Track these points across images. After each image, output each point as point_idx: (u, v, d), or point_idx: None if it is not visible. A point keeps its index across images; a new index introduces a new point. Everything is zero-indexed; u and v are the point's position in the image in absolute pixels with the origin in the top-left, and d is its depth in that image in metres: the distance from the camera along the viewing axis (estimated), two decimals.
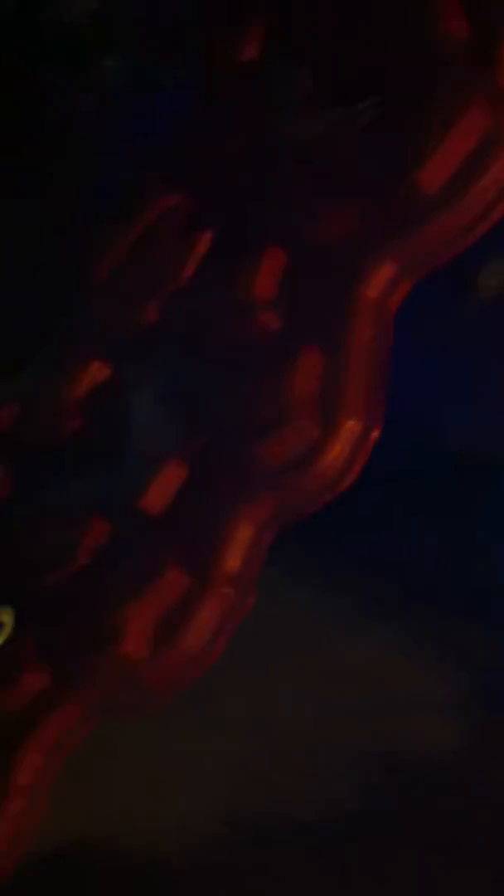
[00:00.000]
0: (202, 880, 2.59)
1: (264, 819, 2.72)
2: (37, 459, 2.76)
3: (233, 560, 2.66)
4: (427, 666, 3.18)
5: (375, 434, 2.65)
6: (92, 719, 2.57)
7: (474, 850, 2.57)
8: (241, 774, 2.83)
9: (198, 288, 2.88)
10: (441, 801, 2.74)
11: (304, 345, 2.76)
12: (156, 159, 2.98)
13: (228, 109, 2.96)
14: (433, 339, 3.83)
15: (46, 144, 3.11)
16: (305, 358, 2.77)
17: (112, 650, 2.53)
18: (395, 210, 2.82)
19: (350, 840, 2.65)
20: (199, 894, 2.53)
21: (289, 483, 2.72)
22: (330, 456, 2.76)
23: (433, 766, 2.84)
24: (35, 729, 2.54)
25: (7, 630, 2.58)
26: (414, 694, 3.10)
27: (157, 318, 2.92)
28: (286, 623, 3.04)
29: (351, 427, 2.73)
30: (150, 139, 3.06)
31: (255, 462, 2.71)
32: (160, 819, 2.68)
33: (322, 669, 3.05)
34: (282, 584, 2.91)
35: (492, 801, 2.70)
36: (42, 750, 2.54)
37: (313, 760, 2.88)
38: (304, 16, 3.02)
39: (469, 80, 2.77)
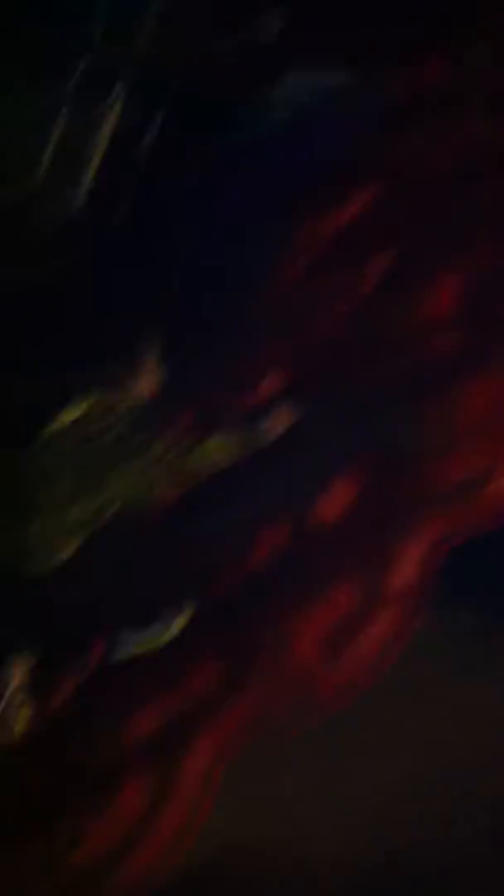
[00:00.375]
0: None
1: (407, 843, 2.72)
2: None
3: (404, 577, 2.70)
4: None
5: None
6: (259, 725, 2.63)
7: None
8: (385, 797, 2.82)
9: (378, 306, 2.95)
10: None
11: (481, 369, 2.81)
12: (348, 169, 3.05)
13: (420, 128, 3.03)
14: None
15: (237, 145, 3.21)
16: (481, 383, 2.81)
17: (285, 656, 2.59)
18: None
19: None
20: None
21: (461, 505, 2.76)
22: (499, 484, 2.79)
23: None
24: (203, 729, 2.61)
25: (184, 618, 2.59)
26: None
27: (337, 333, 2.98)
28: (447, 649, 2.99)
29: None
30: (341, 150, 3.13)
31: (429, 481, 2.76)
32: (308, 831, 2.70)
33: (477, 702, 3.01)
34: (446, 608, 2.89)
35: None
36: (209, 751, 2.60)
37: (458, 791, 2.85)
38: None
39: None
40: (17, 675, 2.50)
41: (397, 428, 2.81)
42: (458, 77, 3.05)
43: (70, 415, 2.46)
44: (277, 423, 2.82)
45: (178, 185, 3.00)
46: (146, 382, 2.53)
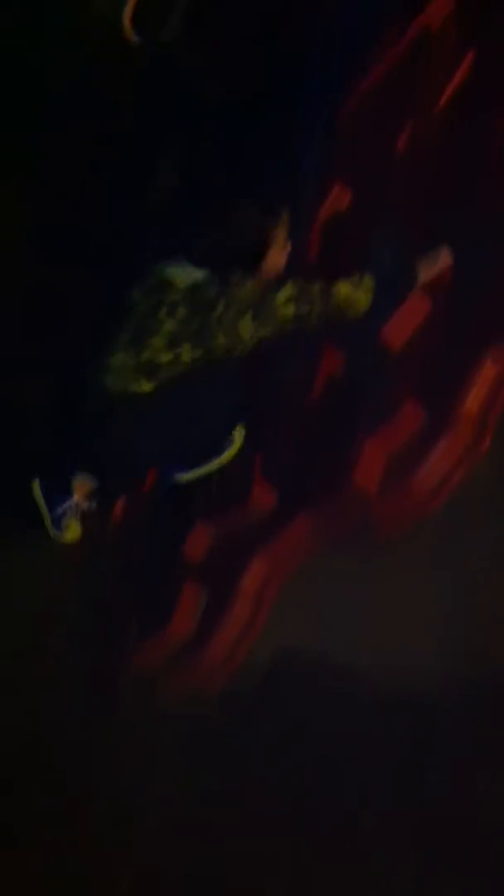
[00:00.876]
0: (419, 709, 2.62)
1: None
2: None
3: (473, 400, 2.58)
4: None
5: None
6: (317, 544, 2.63)
7: None
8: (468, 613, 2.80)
9: (451, 121, 2.71)
10: None
11: None
12: None
13: None
14: None
15: None
16: None
17: (344, 480, 2.56)
18: None
19: None
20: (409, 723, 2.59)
21: None
22: None
23: None
24: (262, 541, 2.63)
25: (237, 446, 2.65)
26: None
27: (406, 148, 2.78)
28: None
29: None
30: None
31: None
32: (374, 648, 2.72)
33: None
34: None
35: None
36: (267, 562, 2.63)
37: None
38: None
39: None
40: (78, 492, 2.64)
41: (472, 241, 2.63)
42: None
43: (189, 277, 2.51)
44: None
45: None
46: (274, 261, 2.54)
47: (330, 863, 2.48)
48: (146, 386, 2.56)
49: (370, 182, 2.75)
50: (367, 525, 2.59)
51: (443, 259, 2.60)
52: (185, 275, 2.53)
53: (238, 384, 2.61)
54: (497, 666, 2.59)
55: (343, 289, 2.52)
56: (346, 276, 2.53)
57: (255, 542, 2.65)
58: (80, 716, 2.59)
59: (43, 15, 3.42)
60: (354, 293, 2.53)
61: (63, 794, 2.49)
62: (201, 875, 2.48)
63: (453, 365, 2.57)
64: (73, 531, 2.70)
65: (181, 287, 2.53)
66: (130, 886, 2.47)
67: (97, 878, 2.48)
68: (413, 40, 2.73)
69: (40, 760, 2.53)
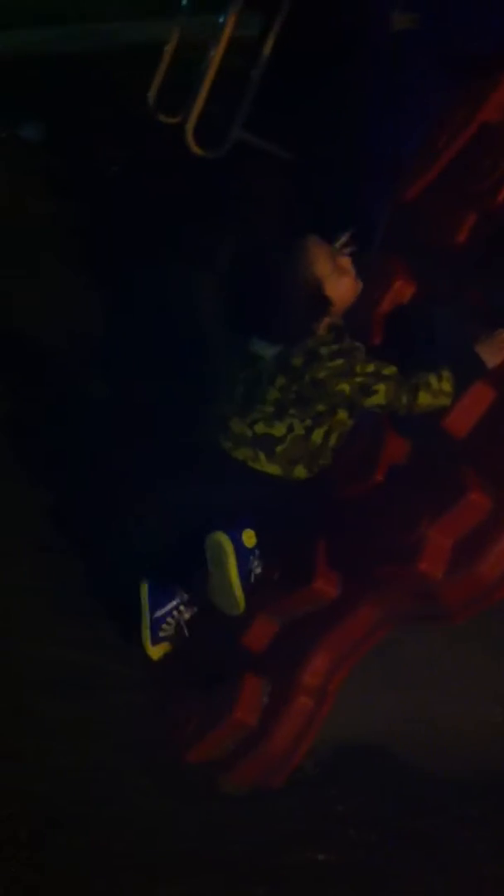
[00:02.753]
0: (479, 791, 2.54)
1: None
2: None
3: None
4: None
5: None
6: (381, 630, 2.57)
7: None
8: None
9: None
10: None
11: None
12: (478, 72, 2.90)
13: None
14: None
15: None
16: None
17: (409, 568, 2.51)
18: None
19: None
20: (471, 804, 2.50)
21: None
22: None
23: None
24: (325, 632, 2.58)
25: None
26: None
27: (465, 240, 2.84)
28: None
29: None
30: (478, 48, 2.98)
31: None
32: (439, 732, 2.65)
33: None
34: None
35: None
36: (330, 654, 2.57)
37: None
38: None
39: None
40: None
41: None
42: None
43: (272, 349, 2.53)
44: None
45: None
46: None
47: None
48: (271, 468, 2.55)
49: (432, 275, 2.80)
50: (434, 613, 2.54)
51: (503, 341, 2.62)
52: (270, 350, 2.55)
53: None
54: None
55: (424, 398, 2.53)
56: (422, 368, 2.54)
57: (317, 633, 2.60)
58: (144, 807, 2.51)
59: None
60: (436, 400, 2.54)
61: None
62: None
63: None
64: (163, 648, 2.68)
65: (268, 358, 2.55)
66: None
67: None
68: (476, 130, 2.83)
69: (112, 849, 2.43)
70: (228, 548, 2.57)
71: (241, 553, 2.58)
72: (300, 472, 2.61)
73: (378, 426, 2.70)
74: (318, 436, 2.58)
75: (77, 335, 3.67)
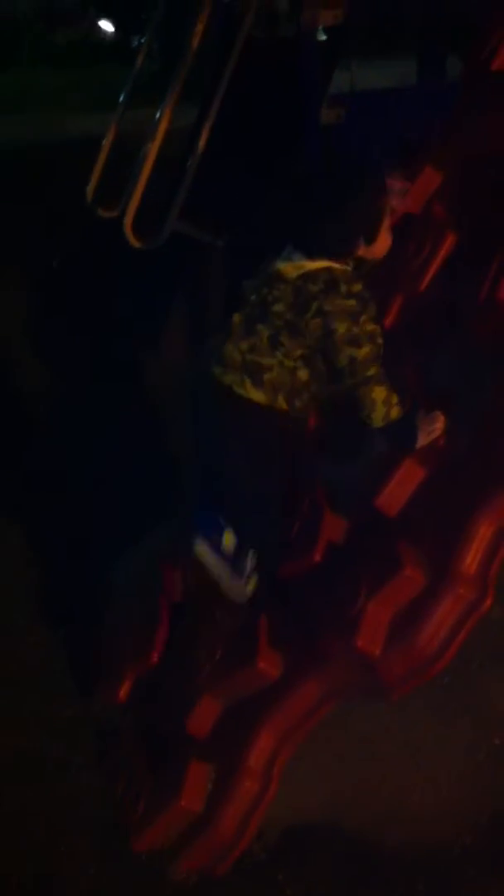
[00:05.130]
0: (428, 870, 2.54)
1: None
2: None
3: (472, 560, 2.61)
4: None
5: None
6: (325, 707, 2.60)
7: None
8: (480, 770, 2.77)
9: (446, 285, 2.89)
10: None
11: None
12: (412, 150, 3.02)
13: (486, 113, 2.97)
14: None
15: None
16: None
17: (347, 643, 2.55)
18: None
19: None
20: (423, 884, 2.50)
21: None
22: None
23: None
24: (268, 714, 2.60)
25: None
26: None
27: (396, 321, 2.95)
28: None
29: None
30: (409, 130, 3.11)
31: (497, 463, 2.67)
32: (387, 806, 2.67)
33: None
34: None
35: None
36: (274, 735, 2.59)
37: None
38: None
39: None
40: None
41: (466, 406, 2.74)
42: None
43: (299, 269, 2.55)
44: None
45: None
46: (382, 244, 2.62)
47: None
48: (255, 394, 2.60)
49: None
50: (375, 688, 2.57)
51: (438, 423, 2.71)
52: (294, 268, 2.58)
53: None
54: None
55: (379, 394, 2.60)
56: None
57: (260, 714, 2.62)
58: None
59: None
60: (383, 408, 2.62)
61: None
62: None
63: (449, 526, 2.61)
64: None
65: (290, 279, 2.58)
66: None
67: None
68: (400, 220, 2.94)
69: None
70: (208, 559, 2.67)
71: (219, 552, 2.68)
72: (281, 402, 2.64)
73: (316, 507, 2.76)
74: (303, 374, 2.62)
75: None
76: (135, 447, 3.43)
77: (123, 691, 2.77)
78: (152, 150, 4.14)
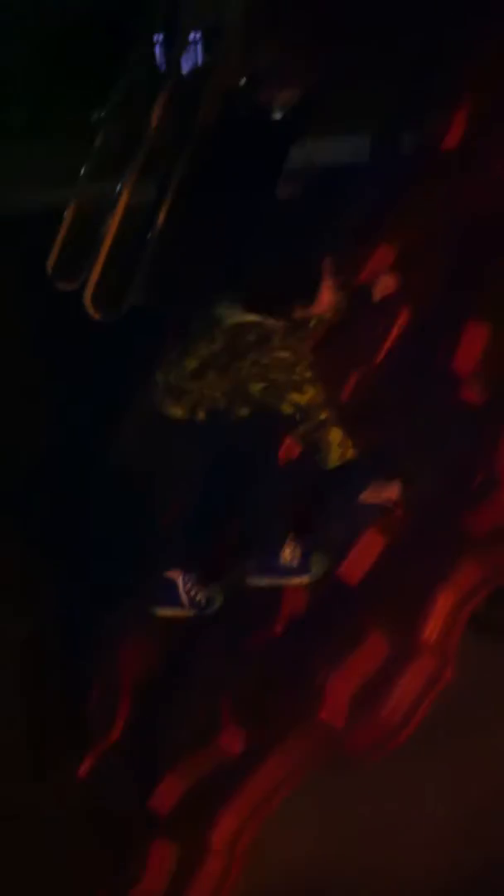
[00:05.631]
0: None
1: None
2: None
3: (432, 630, 2.62)
4: None
5: None
6: (289, 782, 2.57)
7: None
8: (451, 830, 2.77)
9: (403, 359, 2.94)
10: None
11: None
12: (368, 226, 3.11)
13: (440, 187, 3.05)
14: None
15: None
16: None
17: (311, 717, 2.53)
18: None
19: None
20: None
21: (491, 553, 2.67)
22: None
23: None
24: (231, 792, 2.57)
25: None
26: None
27: (354, 394, 2.98)
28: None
29: None
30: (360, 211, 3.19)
31: (459, 531, 2.69)
32: (367, 871, 2.64)
33: None
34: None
35: None
36: (238, 813, 2.55)
37: None
38: None
39: None
40: None
41: (428, 477, 2.77)
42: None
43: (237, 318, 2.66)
44: None
45: None
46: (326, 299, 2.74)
47: None
48: (176, 410, 2.72)
49: None
50: (340, 760, 2.55)
51: (390, 489, 2.74)
52: (234, 315, 2.69)
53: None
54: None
55: (335, 435, 2.68)
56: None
57: (224, 792, 2.58)
58: None
59: None
60: (340, 447, 2.68)
61: None
62: None
63: (411, 596, 2.62)
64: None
65: (227, 325, 2.69)
66: None
67: None
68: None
69: None
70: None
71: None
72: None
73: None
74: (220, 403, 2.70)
75: None
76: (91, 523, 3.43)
77: (84, 770, 2.72)
78: (113, 223, 4.19)
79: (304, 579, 2.74)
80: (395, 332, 2.98)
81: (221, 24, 4.54)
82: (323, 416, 2.70)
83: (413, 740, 2.56)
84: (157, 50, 5.52)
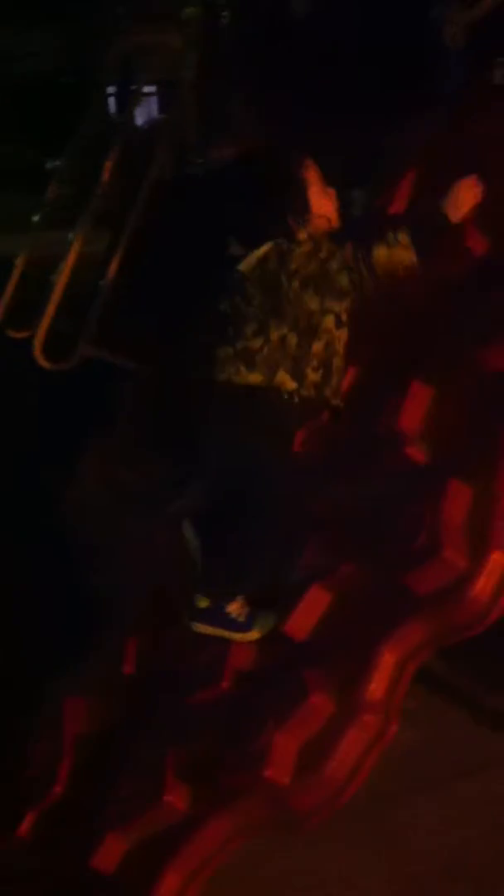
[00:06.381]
0: None
1: None
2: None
3: (377, 687, 2.64)
4: None
5: None
6: (235, 841, 2.56)
7: None
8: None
9: (350, 418, 2.99)
10: None
11: (452, 477, 2.81)
12: None
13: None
14: None
15: None
16: (453, 490, 2.81)
17: (256, 775, 2.54)
18: None
19: None
20: None
21: (435, 612, 2.72)
22: (477, 587, 2.75)
23: None
24: (175, 851, 2.56)
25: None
26: None
27: (305, 453, 3.02)
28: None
29: (497, 559, 2.72)
30: None
31: (403, 590, 2.73)
32: None
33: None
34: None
35: None
36: (182, 872, 2.54)
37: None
38: None
39: None
40: None
41: (371, 537, 2.81)
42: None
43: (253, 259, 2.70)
44: None
45: None
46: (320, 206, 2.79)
47: None
48: (253, 377, 2.67)
49: None
50: (286, 819, 2.55)
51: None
52: (249, 259, 2.71)
53: None
54: None
55: (381, 252, 2.70)
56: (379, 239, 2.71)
57: (169, 850, 2.57)
58: None
59: None
60: (394, 251, 2.70)
61: None
62: None
63: (356, 653, 2.65)
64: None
65: (252, 274, 2.70)
66: None
67: None
68: None
69: None
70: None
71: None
72: (285, 378, 2.71)
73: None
74: (292, 340, 2.69)
75: None
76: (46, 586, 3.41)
77: (25, 828, 2.69)
78: (64, 272, 4.23)
79: (246, 636, 2.75)
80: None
81: (176, 79, 4.63)
82: (355, 255, 2.70)
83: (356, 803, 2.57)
84: (112, 102, 5.61)
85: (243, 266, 2.73)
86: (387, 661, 2.62)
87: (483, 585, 2.64)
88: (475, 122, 3.15)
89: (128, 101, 4.89)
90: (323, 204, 2.83)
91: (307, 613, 2.74)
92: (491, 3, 3.29)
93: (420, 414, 2.91)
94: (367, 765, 2.55)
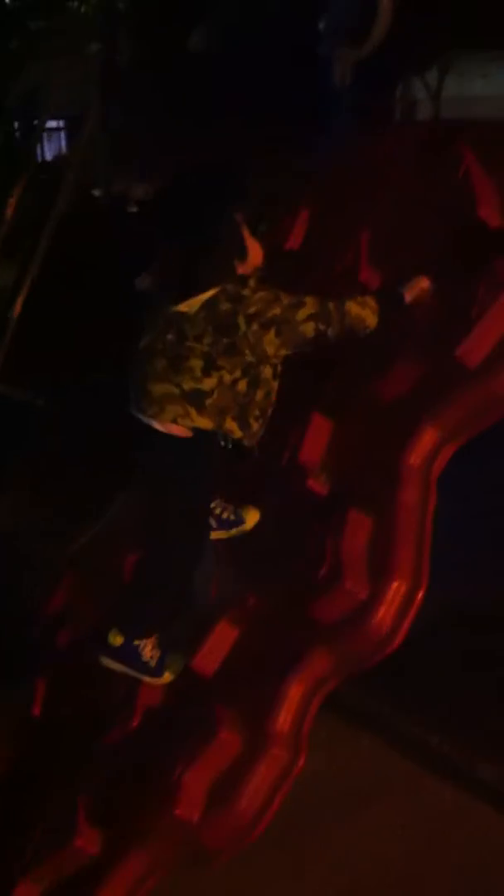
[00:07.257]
0: None
1: None
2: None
3: (284, 720, 2.68)
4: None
5: (420, 594, 2.71)
6: (149, 881, 2.57)
7: None
8: None
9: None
10: None
11: (352, 508, 2.86)
12: None
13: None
14: None
15: None
16: (353, 520, 2.86)
17: (166, 813, 2.56)
18: (437, 380, 2.96)
19: None
20: None
21: (339, 642, 2.76)
22: (378, 615, 2.80)
23: None
24: (90, 893, 2.56)
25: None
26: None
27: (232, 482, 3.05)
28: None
29: (397, 588, 2.78)
30: None
31: (307, 621, 2.77)
32: None
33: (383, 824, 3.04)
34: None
35: None
36: None
37: None
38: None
39: None
40: None
41: (273, 569, 2.86)
42: None
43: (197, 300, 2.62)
44: None
45: None
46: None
47: None
48: (202, 421, 2.64)
49: None
50: (198, 856, 2.57)
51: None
52: (190, 304, 2.64)
53: None
54: None
55: (353, 308, 2.69)
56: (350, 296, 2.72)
57: (83, 894, 2.58)
58: None
59: None
60: (363, 311, 2.70)
61: None
62: None
63: (262, 686, 2.68)
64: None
65: (193, 314, 2.64)
66: None
67: None
68: None
69: None
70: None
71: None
72: (231, 424, 2.68)
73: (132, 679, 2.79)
74: (242, 385, 2.66)
75: None
76: None
77: None
78: None
79: (158, 680, 2.77)
80: None
81: (82, 115, 4.66)
82: (342, 308, 2.68)
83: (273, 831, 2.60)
84: (18, 135, 5.61)
85: (183, 307, 2.66)
86: (294, 692, 2.65)
87: (384, 614, 2.68)
88: (363, 156, 3.23)
89: (33, 135, 4.91)
90: (254, 247, 2.81)
91: (215, 649, 2.77)
92: (376, 42, 3.38)
93: (320, 446, 2.96)
94: (278, 798, 2.58)
